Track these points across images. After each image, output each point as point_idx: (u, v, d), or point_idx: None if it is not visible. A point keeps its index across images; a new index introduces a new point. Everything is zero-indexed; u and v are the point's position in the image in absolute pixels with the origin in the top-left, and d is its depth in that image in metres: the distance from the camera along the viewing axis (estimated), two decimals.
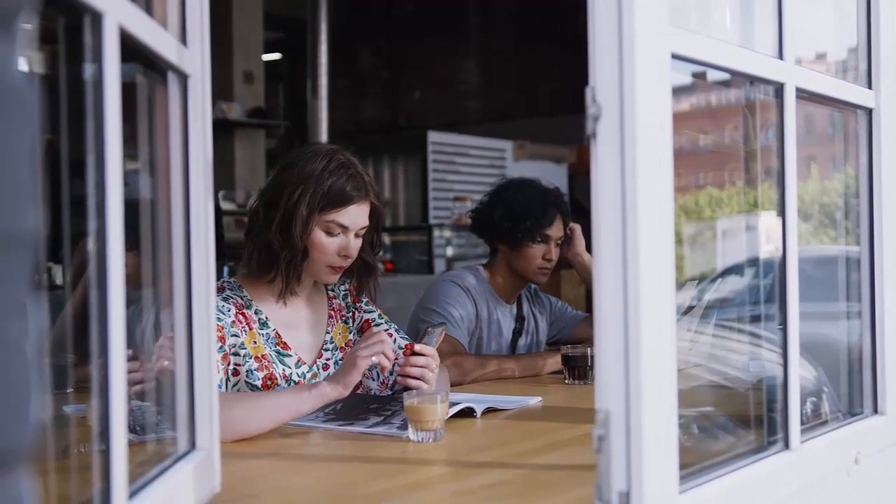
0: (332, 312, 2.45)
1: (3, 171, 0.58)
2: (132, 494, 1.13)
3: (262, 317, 2.30)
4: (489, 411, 2.26)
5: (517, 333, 3.22)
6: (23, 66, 0.62)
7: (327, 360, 2.39)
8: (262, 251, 2.27)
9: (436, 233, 7.68)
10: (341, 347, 2.43)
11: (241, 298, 2.29)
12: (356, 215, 2.28)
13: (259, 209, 2.30)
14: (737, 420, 1.79)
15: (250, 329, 2.26)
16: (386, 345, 2.06)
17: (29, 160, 0.61)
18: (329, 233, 2.26)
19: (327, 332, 2.42)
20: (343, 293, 2.50)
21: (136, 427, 1.39)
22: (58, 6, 0.98)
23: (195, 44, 1.43)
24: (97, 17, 1.03)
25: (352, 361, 2.03)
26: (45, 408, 0.63)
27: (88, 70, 1.06)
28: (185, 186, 1.41)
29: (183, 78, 1.40)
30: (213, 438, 1.45)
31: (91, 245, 1.05)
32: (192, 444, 1.42)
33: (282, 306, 2.33)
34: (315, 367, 2.35)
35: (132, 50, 1.16)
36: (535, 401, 2.44)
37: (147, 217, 1.40)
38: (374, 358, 2.03)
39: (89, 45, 1.04)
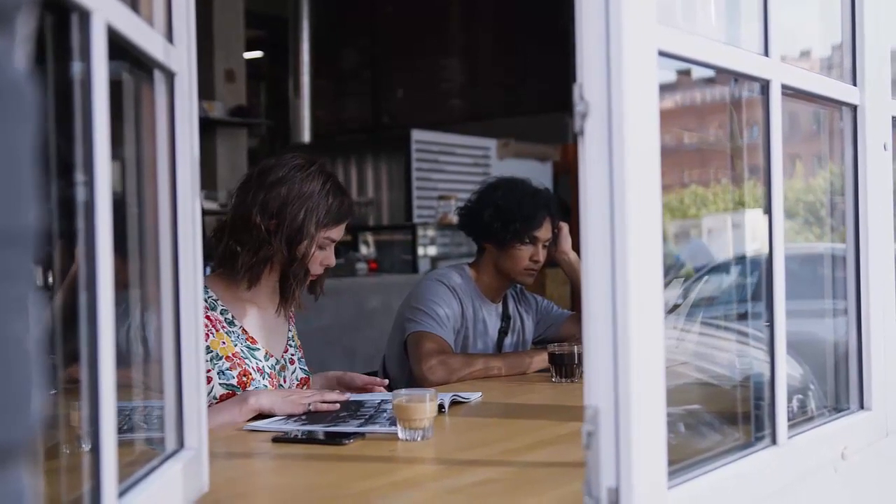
0: (291, 314, 2.58)
1: (5, 168, 0.58)
2: (121, 494, 1.13)
3: (229, 316, 2.38)
4: (454, 404, 2.32)
5: (503, 332, 3.22)
6: (22, 63, 0.62)
7: (292, 355, 2.53)
8: (263, 263, 2.35)
9: (420, 232, 7.66)
10: (298, 346, 2.58)
11: (206, 300, 2.33)
12: (343, 230, 2.46)
13: (256, 220, 2.33)
14: (724, 416, 1.80)
15: (217, 330, 2.33)
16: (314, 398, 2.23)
17: (29, 157, 0.61)
18: (320, 247, 2.40)
19: (290, 330, 2.55)
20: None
21: (122, 426, 1.38)
22: (45, 3, 0.98)
23: (181, 42, 1.42)
24: (85, 15, 1.03)
25: (293, 402, 2.20)
26: (45, 404, 0.64)
27: (76, 68, 1.05)
28: (171, 186, 1.40)
29: (170, 76, 1.39)
30: (201, 438, 1.44)
31: (79, 245, 1.05)
32: (181, 444, 1.42)
33: (248, 306, 2.43)
34: (283, 360, 2.48)
35: (118, 48, 1.15)
36: (475, 396, 2.47)
37: (133, 217, 1.39)
38: (310, 407, 2.20)
39: (77, 42, 1.03)
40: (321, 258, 2.40)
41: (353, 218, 2.48)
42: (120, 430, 1.14)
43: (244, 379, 2.31)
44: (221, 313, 2.36)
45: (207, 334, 2.28)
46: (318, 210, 2.35)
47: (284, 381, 2.44)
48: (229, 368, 2.30)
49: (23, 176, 0.60)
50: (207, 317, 2.31)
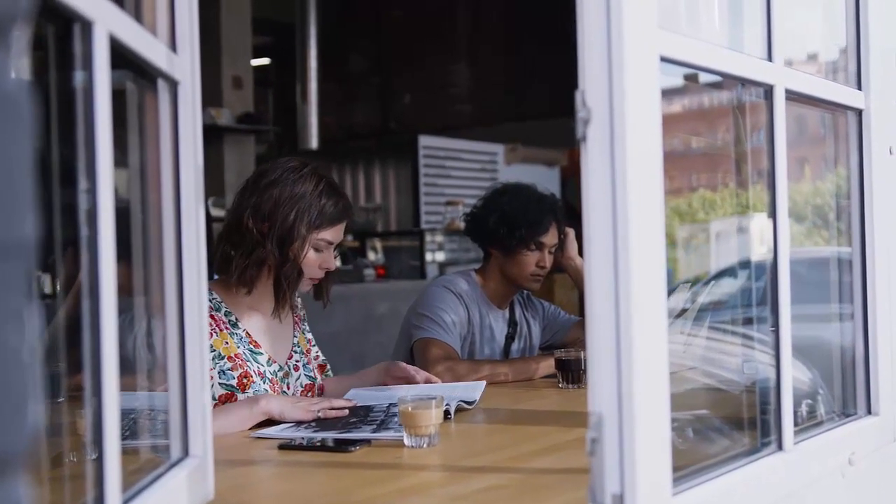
0: (296, 319, 2.58)
1: (1, 180, 0.58)
2: (125, 502, 1.13)
3: (233, 318, 2.39)
4: (460, 410, 2.32)
5: (510, 338, 3.22)
6: (19, 73, 0.62)
7: (296, 361, 2.52)
8: (256, 266, 2.36)
9: (428, 237, 7.65)
10: (305, 352, 2.56)
11: (211, 301, 2.35)
12: (341, 232, 2.45)
13: (248, 223, 2.34)
14: (731, 422, 1.80)
15: (221, 330, 2.34)
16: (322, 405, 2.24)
17: (27, 168, 0.61)
18: (316, 249, 2.39)
19: (294, 336, 2.54)
20: (300, 304, 2.64)
21: (126, 433, 1.38)
22: (47, 13, 0.98)
23: (185, 50, 1.43)
24: (87, 25, 1.03)
25: (303, 409, 2.20)
26: (41, 415, 0.64)
27: (78, 77, 1.05)
28: (175, 194, 1.41)
29: (173, 85, 1.40)
30: (206, 446, 1.45)
31: (83, 253, 1.05)
32: (186, 452, 1.42)
33: (251, 312, 2.43)
34: (287, 367, 2.47)
35: (121, 57, 1.16)
36: (481, 386, 2.52)
37: (138, 225, 1.40)
38: (319, 414, 2.20)
39: (79, 52, 1.04)
40: (319, 261, 2.40)
41: (349, 220, 2.47)
42: (124, 437, 1.14)
43: (244, 381, 2.31)
44: (226, 315, 2.37)
45: (211, 333, 2.29)
46: (311, 211, 2.35)
47: (288, 388, 2.44)
48: (230, 369, 2.31)
49: (20, 187, 0.60)
50: (212, 316, 2.32)
